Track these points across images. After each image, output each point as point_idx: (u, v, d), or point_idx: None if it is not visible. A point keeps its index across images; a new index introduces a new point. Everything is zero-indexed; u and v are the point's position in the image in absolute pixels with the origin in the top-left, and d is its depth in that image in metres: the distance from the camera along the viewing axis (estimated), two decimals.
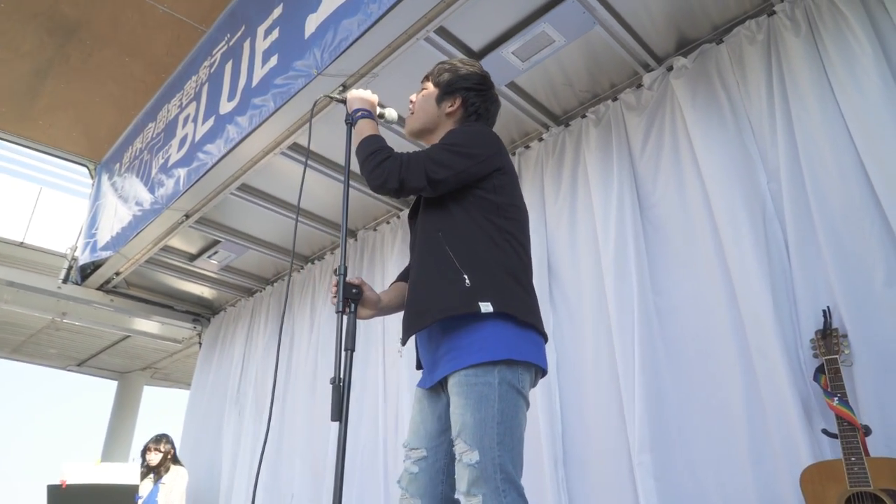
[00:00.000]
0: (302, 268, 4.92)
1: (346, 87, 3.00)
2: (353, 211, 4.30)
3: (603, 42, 2.88)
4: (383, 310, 1.71)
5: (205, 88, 3.87)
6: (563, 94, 3.27)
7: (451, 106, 1.78)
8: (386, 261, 4.06)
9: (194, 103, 3.98)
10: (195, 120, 3.86)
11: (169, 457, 4.33)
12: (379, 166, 1.58)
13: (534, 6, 2.67)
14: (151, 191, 4.14)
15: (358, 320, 1.58)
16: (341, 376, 1.37)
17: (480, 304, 1.47)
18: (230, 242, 4.51)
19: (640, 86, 3.03)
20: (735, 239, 2.40)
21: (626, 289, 2.63)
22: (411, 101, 1.87)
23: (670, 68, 2.91)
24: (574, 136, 3.23)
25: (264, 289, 5.29)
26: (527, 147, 3.48)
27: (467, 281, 1.50)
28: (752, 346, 2.29)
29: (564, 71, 3.10)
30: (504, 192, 1.64)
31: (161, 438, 4.40)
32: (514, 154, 3.51)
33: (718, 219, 2.50)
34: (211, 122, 3.57)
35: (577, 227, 3.04)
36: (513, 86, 3.12)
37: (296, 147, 3.54)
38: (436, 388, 1.61)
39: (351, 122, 1.77)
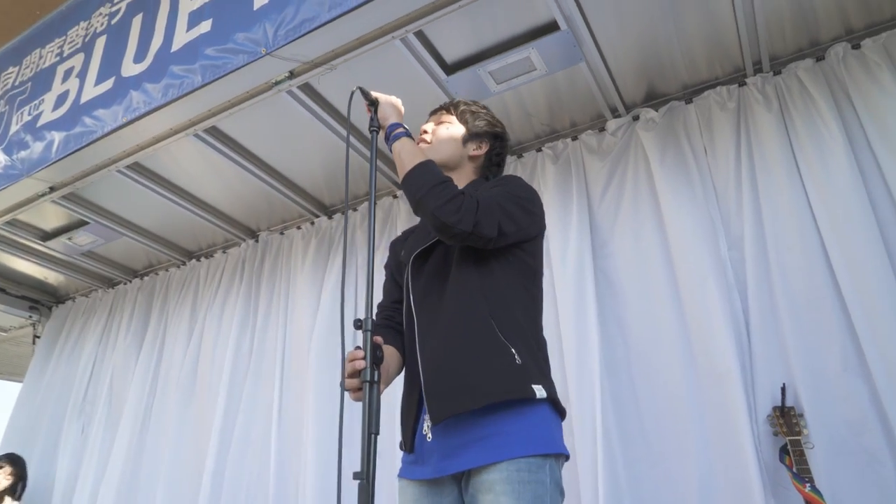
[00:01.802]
0: (184, 263, 4.29)
1: (293, 74, 2.61)
2: (257, 206, 3.79)
3: (569, 79, 2.77)
4: (388, 381, 1.41)
5: (100, 41, 3.20)
6: (518, 124, 3.12)
7: (476, 149, 1.62)
8: (294, 273, 3.61)
9: (82, 55, 3.28)
10: (82, 76, 3.18)
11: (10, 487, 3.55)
12: (452, 201, 1.31)
13: (523, 29, 2.49)
14: (8, 152, 3.34)
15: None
16: (368, 471, 1.04)
17: (534, 386, 1.28)
18: (101, 226, 3.79)
19: (602, 129, 2.96)
20: (702, 303, 2.37)
21: (586, 340, 2.51)
22: (424, 132, 1.63)
23: (636, 118, 2.87)
24: (528, 168, 3.09)
25: (130, 281, 4.55)
26: None
27: (517, 358, 1.30)
28: (708, 417, 2.27)
29: (522, 101, 2.95)
30: (538, 257, 1.50)
31: (17, 461, 3.61)
32: None
33: (682, 280, 2.47)
34: (109, 84, 2.94)
35: None
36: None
37: (214, 131, 3.05)
38: (440, 483, 1.33)
39: (387, 136, 1.49)
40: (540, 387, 1.28)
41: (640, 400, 2.43)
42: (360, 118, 2.89)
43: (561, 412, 1.36)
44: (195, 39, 2.69)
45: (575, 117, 3.04)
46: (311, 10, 2.33)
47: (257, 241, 3.96)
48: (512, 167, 3.14)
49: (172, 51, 2.77)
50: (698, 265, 2.43)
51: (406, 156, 1.42)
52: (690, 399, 2.32)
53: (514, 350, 1.30)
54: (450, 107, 1.67)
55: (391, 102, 1.53)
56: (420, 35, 2.48)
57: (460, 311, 1.36)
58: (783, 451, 2.04)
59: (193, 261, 4.25)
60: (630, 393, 2.46)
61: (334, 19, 2.30)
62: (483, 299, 1.35)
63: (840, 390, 2.11)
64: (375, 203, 1.35)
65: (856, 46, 2.50)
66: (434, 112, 1.70)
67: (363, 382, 1.15)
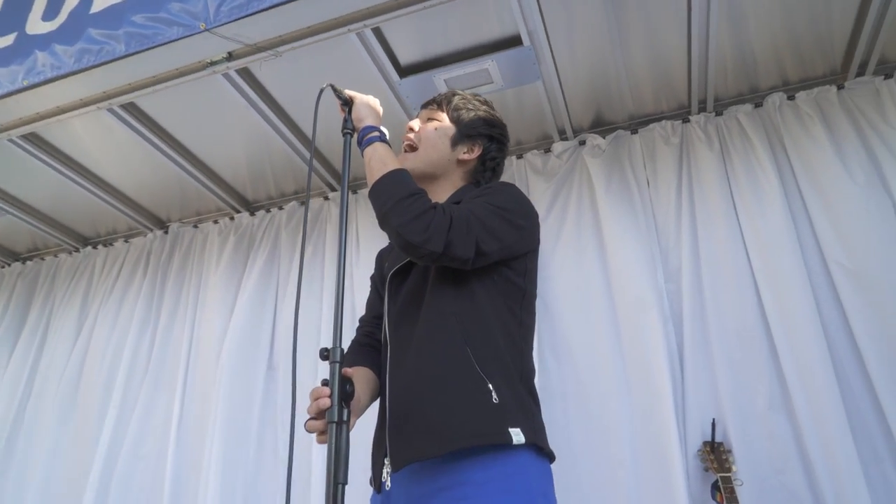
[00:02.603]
0: (77, 250, 3.85)
1: (232, 56, 2.38)
2: (169, 194, 3.43)
3: (518, 97, 2.72)
4: (360, 411, 1.24)
5: None
6: None
7: (466, 152, 1.45)
8: (207, 272, 3.31)
9: None
10: None
11: None
12: (421, 217, 1.14)
13: (485, 40, 2.40)
14: None
15: None
16: None
17: (511, 430, 1.11)
18: None
19: (548, 150, 2.94)
20: (639, 333, 2.38)
21: None
22: (412, 130, 1.46)
23: (582, 142, 2.88)
24: None
25: (9, 265, 4.03)
26: None
27: (494, 395, 1.14)
28: (641, 449, 2.26)
29: None
30: (531, 277, 1.35)
31: None
32: None
33: (620, 309, 2.47)
34: (9, 40, 2.57)
35: None
36: None
37: (131, 108, 2.73)
38: None
39: (359, 140, 1.33)
40: (518, 430, 1.12)
41: (573, 429, 2.39)
42: (293, 103, 2.75)
43: (548, 456, 1.22)
44: (121, 3, 2.41)
45: (521, 136, 3.00)
46: None
47: (166, 232, 3.61)
48: None
49: (92, 12, 2.46)
50: (637, 295, 2.44)
51: (376, 163, 1.26)
52: (624, 430, 2.31)
53: (491, 385, 1.14)
54: (442, 101, 1.50)
55: (367, 103, 1.37)
56: (377, 32, 2.34)
57: (432, 338, 1.21)
58: (714, 487, 2.06)
59: (89, 248, 3.82)
60: (563, 421, 2.41)
61: (288, 2, 2.12)
62: (459, 325, 1.20)
63: (765, 428, 2.17)
64: (347, 217, 1.19)
65: (791, 97, 2.63)
66: (426, 105, 1.53)
67: (329, 423, 0.98)
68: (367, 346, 1.42)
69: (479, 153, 1.46)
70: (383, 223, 1.20)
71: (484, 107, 1.51)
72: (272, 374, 2.91)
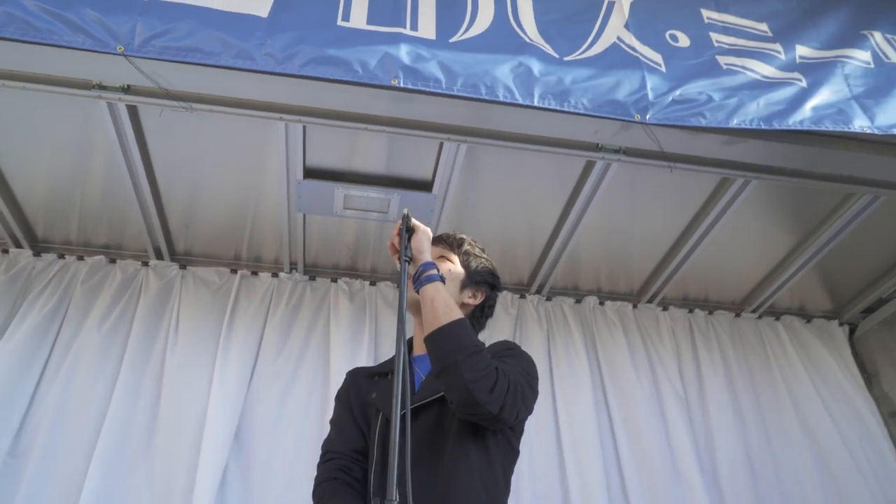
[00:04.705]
0: None
1: (129, 89, 2.11)
2: None
3: (380, 231, 2.84)
4: None
5: None
6: (326, 251, 2.97)
7: (471, 297, 1.50)
8: None
9: None
10: None
11: None
12: (489, 376, 1.16)
13: (397, 174, 2.51)
14: None
15: None
16: None
17: None
18: None
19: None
20: None
21: None
22: None
23: None
24: (319, 294, 2.93)
25: None
26: (254, 273, 2.95)
27: None
28: None
29: (341, 235, 2.88)
30: (520, 440, 1.39)
31: None
32: (234, 272, 2.91)
33: None
34: None
35: (294, 387, 2.64)
36: (307, 217, 2.72)
37: None
38: None
39: (418, 274, 1.30)
40: None
41: None
42: (164, 157, 2.42)
43: None
44: None
45: (380, 266, 3.07)
46: (212, 44, 1.95)
47: None
48: (302, 288, 2.94)
49: None
50: None
51: (440, 305, 1.24)
52: None
53: None
54: (453, 243, 1.54)
55: (428, 235, 1.37)
56: (304, 129, 2.29)
57: (461, 496, 1.19)
58: None
59: None
60: None
61: (232, 68, 1.99)
62: (482, 485, 1.21)
63: None
64: (403, 336, 1.13)
65: (602, 303, 3.19)
66: (435, 243, 1.53)
67: None
68: (345, 486, 1.27)
69: (481, 300, 1.51)
70: (448, 372, 1.17)
71: (485, 255, 1.60)
72: (14, 463, 2.25)
